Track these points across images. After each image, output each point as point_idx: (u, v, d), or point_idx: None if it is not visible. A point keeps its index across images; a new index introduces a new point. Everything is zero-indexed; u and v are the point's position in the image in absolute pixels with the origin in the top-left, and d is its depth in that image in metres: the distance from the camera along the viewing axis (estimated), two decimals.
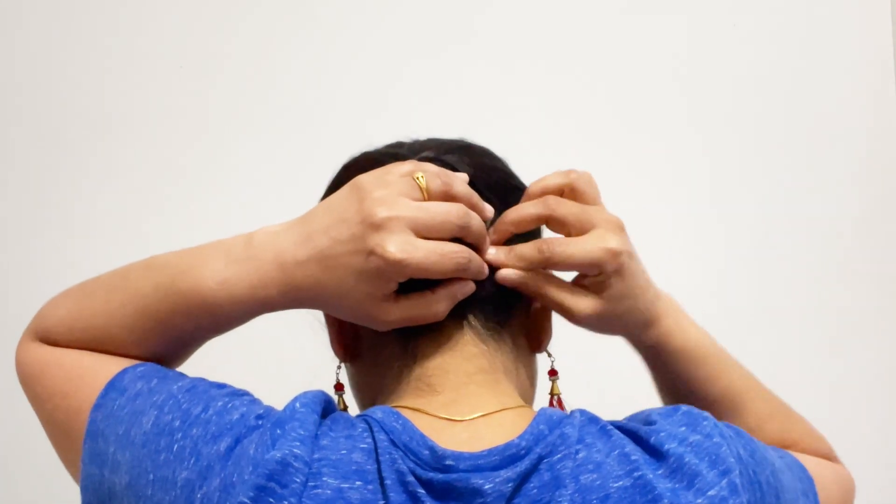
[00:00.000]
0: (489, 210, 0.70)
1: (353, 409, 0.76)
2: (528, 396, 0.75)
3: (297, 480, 0.60)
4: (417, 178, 0.66)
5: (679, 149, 1.46)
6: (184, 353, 0.74)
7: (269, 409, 0.65)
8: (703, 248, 1.44)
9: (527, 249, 0.69)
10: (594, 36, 1.48)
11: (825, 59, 1.47)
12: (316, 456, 0.61)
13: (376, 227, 0.64)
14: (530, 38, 1.48)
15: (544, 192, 0.71)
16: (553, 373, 0.76)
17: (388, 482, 0.61)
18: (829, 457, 0.82)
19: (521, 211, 0.70)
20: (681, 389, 0.78)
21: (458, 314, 0.69)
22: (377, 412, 0.65)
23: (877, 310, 1.45)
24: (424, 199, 0.66)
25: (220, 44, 1.49)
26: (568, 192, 0.72)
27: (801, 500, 0.71)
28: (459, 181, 0.68)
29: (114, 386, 0.68)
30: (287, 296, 0.67)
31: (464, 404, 0.67)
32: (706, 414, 0.67)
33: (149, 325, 0.70)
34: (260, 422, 0.63)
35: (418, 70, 1.47)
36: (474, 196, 0.69)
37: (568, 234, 0.70)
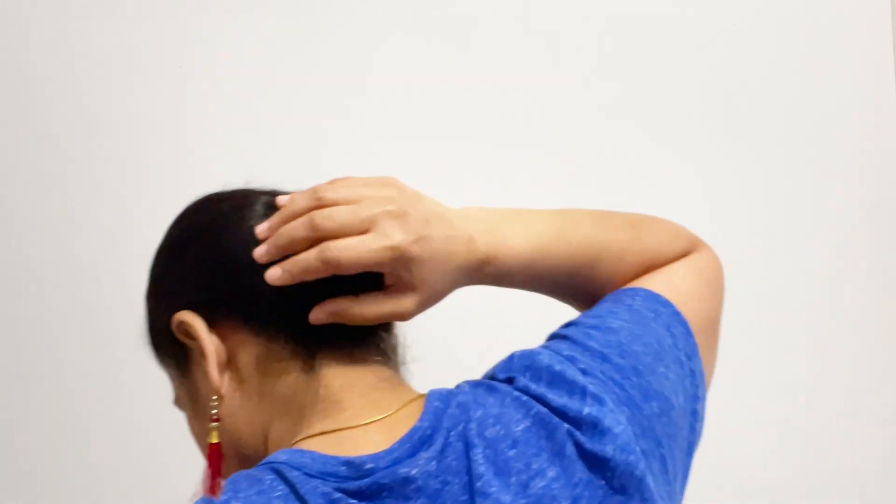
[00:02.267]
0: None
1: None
2: None
3: None
4: None
5: (677, 149, 1.46)
6: None
7: None
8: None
9: (310, 263, 0.67)
10: (591, 34, 1.48)
11: (825, 59, 1.47)
12: None
13: None
14: (521, 36, 1.48)
15: (294, 217, 0.69)
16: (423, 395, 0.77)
17: None
18: (690, 249, 0.82)
19: (292, 236, 0.68)
20: (539, 287, 0.79)
21: (363, 329, 0.70)
22: (280, 455, 0.64)
23: (877, 308, 1.45)
24: None
25: (220, 44, 1.49)
26: (318, 207, 0.69)
27: (666, 337, 0.72)
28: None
29: None
30: None
31: (371, 410, 0.68)
32: (537, 349, 0.69)
33: None
34: None
35: (420, 65, 1.47)
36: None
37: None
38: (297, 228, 0.68)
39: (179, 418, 0.79)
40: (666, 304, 0.75)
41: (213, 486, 0.69)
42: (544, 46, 1.47)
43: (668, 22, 1.48)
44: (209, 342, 0.69)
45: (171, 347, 0.73)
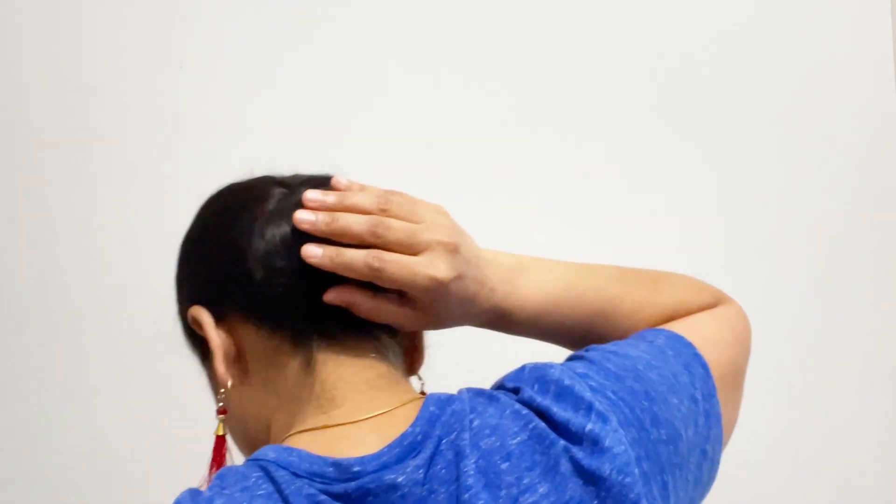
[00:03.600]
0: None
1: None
2: None
3: None
4: None
5: (678, 149, 1.46)
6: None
7: None
8: (701, 249, 1.44)
9: (356, 262, 0.69)
10: (591, 34, 1.48)
11: (825, 59, 1.47)
12: None
13: None
14: (520, 33, 1.48)
15: (357, 211, 0.70)
16: (422, 395, 0.77)
17: None
18: (713, 302, 0.83)
19: (349, 228, 0.70)
20: (548, 337, 0.79)
21: (362, 327, 0.71)
22: (269, 453, 0.65)
23: (876, 308, 1.46)
24: None
25: (220, 44, 1.49)
26: (382, 214, 0.71)
27: (684, 374, 0.72)
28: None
29: None
30: None
31: (366, 409, 0.68)
32: (550, 363, 0.70)
33: None
34: None
35: (420, 65, 1.47)
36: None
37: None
38: (357, 224, 0.69)
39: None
40: (688, 345, 0.75)
41: (209, 476, 0.71)
42: (541, 47, 1.48)
43: (667, 22, 1.48)
44: (215, 337, 0.71)
45: (193, 338, 0.76)
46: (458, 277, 0.70)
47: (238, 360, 0.72)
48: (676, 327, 0.77)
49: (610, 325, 0.79)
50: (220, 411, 0.73)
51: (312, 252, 0.69)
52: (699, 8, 1.48)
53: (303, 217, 0.70)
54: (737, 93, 1.47)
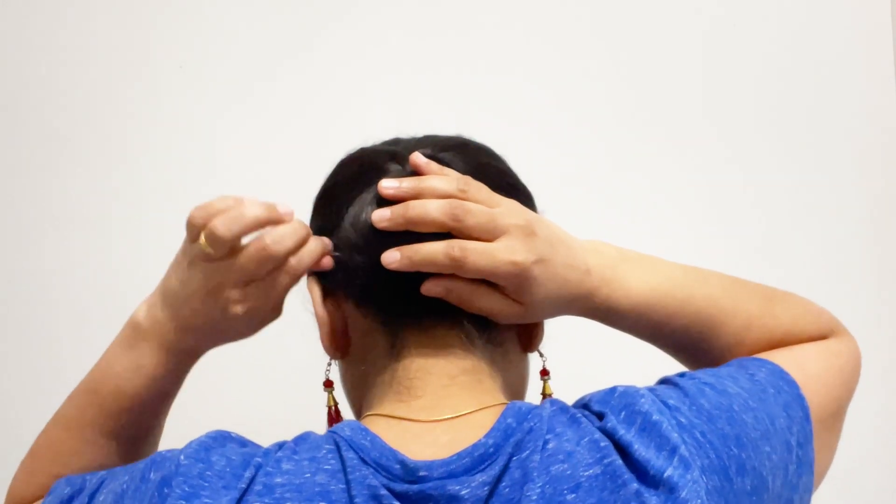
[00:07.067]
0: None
1: (343, 405, 0.77)
2: (518, 396, 0.75)
3: None
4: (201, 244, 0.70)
5: (677, 148, 1.46)
6: (134, 447, 0.78)
7: (146, 467, 0.66)
8: (702, 250, 1.44)
9: (436, 255, 0.67)
10: (590, 33, 1.48)
11: (824, 59, 1.47)
12: (278, 480, 0.62)
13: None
14: (534, 36, 1.48)
15: (434, 195, 0.68)
16: (545, 372, 0.76)
17: (358, 500, 0.61)
18: (827, 333, 0.79)
19: (425, 215, 0.67)
20: (647, 335, 0.77)
21: (450, 316, 0.70)
22: (345, 429, 0.65)
23: (877, 309, 1.46)
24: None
25: (220, 44, 1.49)
26: (462, 195, 0.69)
27: (781, 417, 0.69)
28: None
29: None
30: (185, 357, 0.76)
31: (444, 406, 0.68)
32: (642, 391, 0.67)
33: (92, 438, 0.76)
34: (141, 480, 0.65)
35: (421, 65, 1.47)
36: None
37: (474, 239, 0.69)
38: (434, 209, 0.67)
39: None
40: (791, 383, 0.72)
41: None
42: (539, 46, 1.48)
43: (667, 22, 1.48)
44: (321, 313, 0.72)
45: None
46: (540, 261, 0.68)
47: (344, 334, 0.72)
48: (781, 359, 0.74)
49: (715, 339, 0.76)
50: (325, 384, 0.75)
51: (391, 258, 0.67)
52: (699, 9, 1.48)
53: (379, 217, 0.68)
54: (735, 94, 1.47)
